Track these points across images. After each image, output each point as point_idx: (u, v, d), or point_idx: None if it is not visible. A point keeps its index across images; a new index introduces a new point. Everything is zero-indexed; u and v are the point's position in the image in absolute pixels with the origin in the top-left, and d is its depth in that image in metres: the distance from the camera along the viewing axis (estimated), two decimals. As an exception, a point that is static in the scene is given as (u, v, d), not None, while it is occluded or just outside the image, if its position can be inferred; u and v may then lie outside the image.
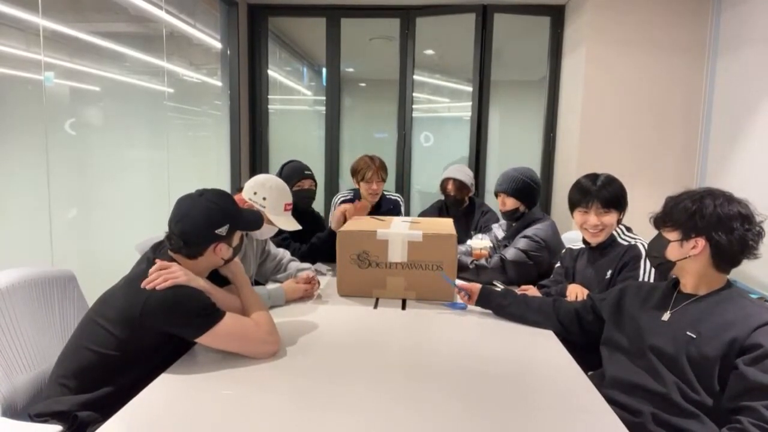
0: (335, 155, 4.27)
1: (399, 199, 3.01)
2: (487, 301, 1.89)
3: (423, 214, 3.11)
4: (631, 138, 3.46)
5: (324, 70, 4.21)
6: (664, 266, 1.44)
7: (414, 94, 4.13)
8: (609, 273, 1.88)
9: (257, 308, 1.56)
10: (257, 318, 1.52)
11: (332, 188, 4.25)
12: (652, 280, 1.77)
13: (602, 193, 1.90)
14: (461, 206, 2.91)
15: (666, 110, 3.42)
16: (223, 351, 1.47)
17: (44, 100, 2.19)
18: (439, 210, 3.05)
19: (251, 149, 4.21)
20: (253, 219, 1.62)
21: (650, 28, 3.35)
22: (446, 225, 2.19)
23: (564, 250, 2.22)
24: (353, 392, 1.31)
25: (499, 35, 3.94)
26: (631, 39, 3.37)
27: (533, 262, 2.27)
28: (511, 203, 2.41)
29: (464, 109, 4.12)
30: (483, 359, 1.52)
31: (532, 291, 2.11)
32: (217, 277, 1.60)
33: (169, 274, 1.39)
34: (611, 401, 1.30)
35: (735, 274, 1.79)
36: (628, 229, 1.97)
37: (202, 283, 1.47)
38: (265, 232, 2.02)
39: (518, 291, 2.03)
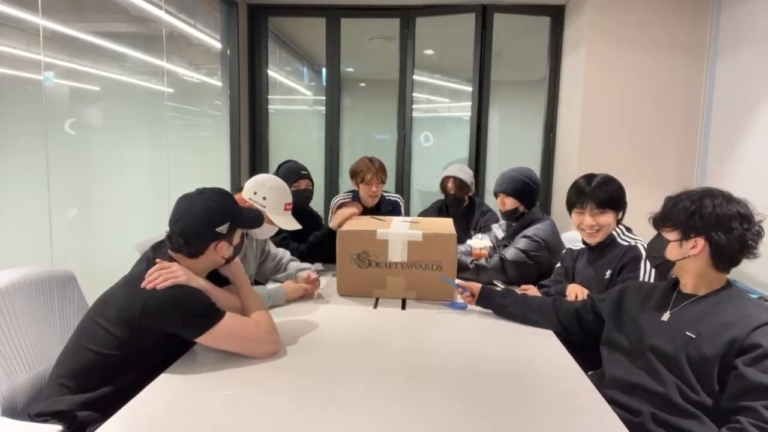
0: (335, 155, 4.27)
1: (399, 200, 3.01)
2: (487, 300, 1.89)
3: (423, 214, 3.11)
4: (631, 138, 3.46)
5: (324, 70, 4.21)
6: (663, 266, 1.44)
7: (414, 94, 4.13)
8: (608, 273, 1.88)
9: (257, 308, 1.56)
10: (257, 318, 1.52)
11: (332, 189, 4.25)
12: (652, 281, 1.77)
13: (597, 193, 1.90)
14: (461, 205, 2.91)
15: (666, 110, 3.42)
16: (223, 351, 1.47)
17: (44, 100, 2.19)
18: (438, 210, 3.05)
19: (251, 149, 4.21)
20: (254, 217, 1.62)
21: (650, 28, 3.35)
22: (446, 225, 2.19)
23: (564, 251, 2.22)
24: (353, 392, 1.31)
25: (499, 35, 3.94)
26: (631, 39, 3.37)
27: (533, 262, 2.27)
28: (510, 203, 2.41)
29: (464, 109, 4.12)
30: (483, 359, 1.52)
31: (532, 291, 2.11)
32: (217, 277, 1.60)
33: (169, 274, 1.39)
34: (611, 401, 1.30)
35: (735, 274, 1.79)
36: (628, 230, 1.96)
37: (202, 283, 1.47)
38: (265, 232, 2.02)
39: (518, 291, 2.03)
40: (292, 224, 2.00)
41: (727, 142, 3.09)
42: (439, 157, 4.18)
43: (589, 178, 1.96)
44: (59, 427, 1.21)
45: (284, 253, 2.31)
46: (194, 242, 1.45)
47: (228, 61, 3.88)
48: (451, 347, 1.61)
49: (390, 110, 4.19)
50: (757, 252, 1.32)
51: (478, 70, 3.97)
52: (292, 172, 2.56)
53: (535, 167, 4.00)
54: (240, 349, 1.45)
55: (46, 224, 2.19)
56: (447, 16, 3.96)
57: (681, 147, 3.44)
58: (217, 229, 1.46)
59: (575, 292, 1.90)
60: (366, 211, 2.79)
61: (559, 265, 2.20)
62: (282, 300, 1.95)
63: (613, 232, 1.94)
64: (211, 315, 1.39)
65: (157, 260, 1.43)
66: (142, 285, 1.36)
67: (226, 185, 3.92)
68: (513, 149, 4.24)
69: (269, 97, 4.26)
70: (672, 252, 1.39)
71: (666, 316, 1.41)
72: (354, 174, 2.82)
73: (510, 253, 2.29)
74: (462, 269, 2.25)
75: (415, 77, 4.11)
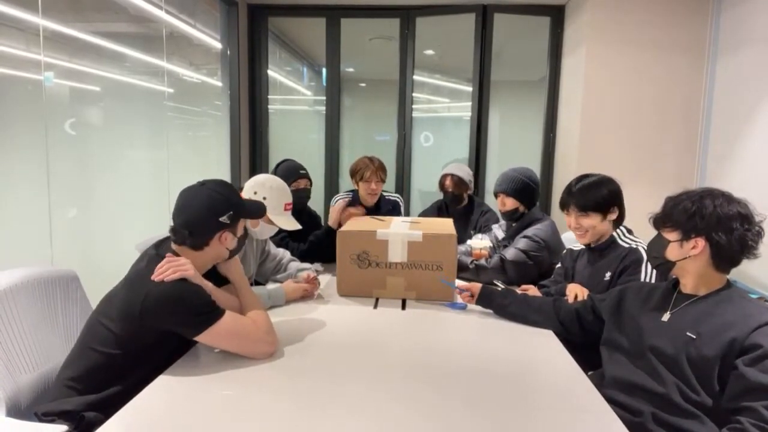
0: (335, 155, 4.27)
1: (398, 200, 3.01)
2: (487, 300, 1.89)
3: (423, 214, 3.11)
4: (631, 138, 3.46)
5: (324, 70, 4.21)
6: (664, 266, 1.44)
7: (414, 94, 4.13)
8: (608, 275, 1.88)
9: (255, 308, 1.56)
10: (255, 318, 1.51)
11: (332, 189, 4.25)
12: (652, 282, 1.77)
13: (578, 196, 1.91)
14: (460, 203, 2.91)
15: (666, 110, 3.42)
16: (223, 351, 1.47)
17: (44, 100, 2.19)
18: (438, 209, 3.05)
19: (251, 149, 4.21)
20: (256, 208, 1.63)
21: (650, 28, 3.35)
22: (446, 225, 2.19)
23: (564, 251, 2.22)
24: (353, 392, 1.31)
25: (499, 35, 3.94)
26: (631, 39, 3.37)
27: (533, 262, 2.27)
28: (510, 203, 2.41)
29: (464, 109, 4.12)
30: (483, 359, 1.52)
31: (532, 291, 2.11)
32: (217, 278, 1.60)
33: (179, 267, 1.38)
34: (611, 401, 1.30)
35: (735, 274, 1.79)
36: (629, 231, 1.96)
37: (203, 282, 1.47)
38: (265, 232, 2.02)
39: (518, 291, 2.03)
40: (292, 224, 2.00)
41: (727, 142, 3.09)
42: (439, 157, 4.18)
43: (580, 179, 1.96)
44: (65, 427, 1.21)
45: (284, 253, 2.31)
46: (199, 233, 1.45)
47: (228, 61, 3.88)
48: (451, 347, 1.61)
49: (390, 110, 4.19)
50: (758, 252, 1.32)
51: (478, 70, 3.97)
52: (291, 172, 2.55)
53: (535, 167, 4.00)
54: (238, 348, 1.45)
55: (46, 224, 2.19)
56: (447, 16, 3.96)
57: (681, 147, 3.44)
58: (220, 219, 1.45)
59: (575, 292, 1.90)
60: (366, 211, 2.79)
61: (559, 265, 2.20)
62: (282, 300, 1.95)
63: (614, 234, 1.93)
64: (211, 313, 1.39)
65: (168, 255, 1.42)
66: (152, 278, 1.35)
67: (226, 185, 3.91)
68: (513, 149, 4.24)
69: (269, 97, 4.26)
70: (672, 252, 1.39)
71: (666, 317, 1.41)
72: (354, 172, 2.82)
73: (510, 253, 2.29)
74: (462, 269, 2.25)
75: (415, 77, 4.11)
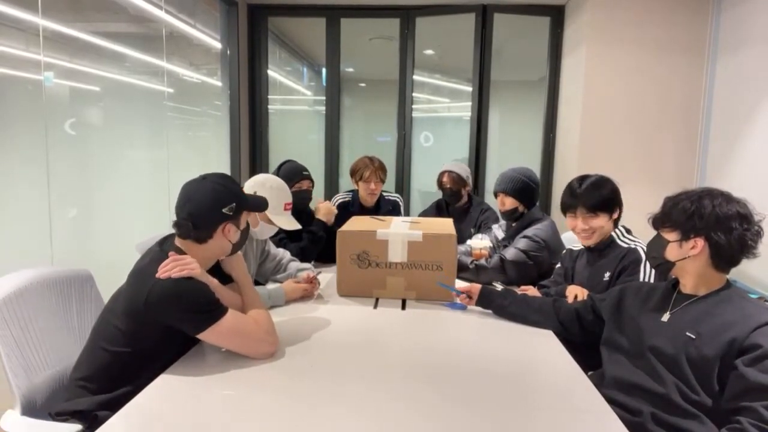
0: (335, 155, 4.27)
1: (398, 200, 3.01)
2: (487, 301, 1.89)
3: (423, 213, 3.11)
4: (631, 138, 3.46)
5: (324, 70, 4.21)
6: (663, 267, 1.44)
7: (414, 94, 4.13)
8: (608, 275, 1.88)
9: (257, 307, 1.56)
10: (256, 317, 1.51)
11: (332, 189, 4.25)
12: (652, 282, 1.77)
13: (587, 197, 1.89)
14: (458, 201, 2.91)
15: (666, 110, 3.42)
16: (224, 351, 1.47)
17: (44, 100, 2.19)
18: (437, 208, 3.05)
19: (251, 149, 4.21)
20: (258, 201, 1.63)
21: (650, 28, 3.35)
22: (446, 225, 2.19)
23: (564, 251, 2.22)
24: (353, 392, 1.31)
25: (499, 35, 3.94)
26: (631, 38, 3.37)
27: (533, 263, 2.27)
28: (510, 203, 2.41)
29: (464, 109, 4.12)
30: (483, 359, 1.52)
31: (532, 291, 2.11)
32: (220, 275, 1.60)
33: (185, 265, 1.38)
34: (611, 401, 1.30)
35: (735, 274, 1.80)
36: (628, 231, 1.96)
37: (209, 279, 1.47)
38: (265, 232, 2.03)
39: (518, 291, 2.03)
40: (292, 224, 2.00)
41: (727, 142, 3.09)
42: (439, 157, 4.17)
43: (580, 180, 1.95)
44: (79, 427, 1.22)
45: (284, 254, 2.31)
46: (203, 225, 1.44)
47: (228, 61, 3.88)
48: (451, 347, 1.61)
49: (390, 110, 4.19)
50: (757, 252, 1.32)
51: (478, 70, 3.97)
52: (295, 173, 2.55)
53: (535, 167, 4.00)
54: (239, 347, 1.45)
55: (46, 224, 2.19)
56: (447, 16, 3.96)
57: (681, 147, 3.44)
58: (224, 210, 1.45)
59: (575, 293, 1.90)
60: (366, 211, 2.79)
61: (558, 265, 2.20)
62: (282, 300, 1.95)
63: (613, 234, 1.93)
64: (214, 311, 1.38)
65: (171, 253, 1.42)
66: (157, 275, 1.35)
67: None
68: (513, 149, 4.24)
69: (269, 97, 4.26)
70: (672, 252, 1.39)
71: (666, 317, 1.41)
72: (353, 172, 2.82)
73: (510, 253, 2.29)
74: (462, 269, 2.25)
75: (415, 77, 4.11)
